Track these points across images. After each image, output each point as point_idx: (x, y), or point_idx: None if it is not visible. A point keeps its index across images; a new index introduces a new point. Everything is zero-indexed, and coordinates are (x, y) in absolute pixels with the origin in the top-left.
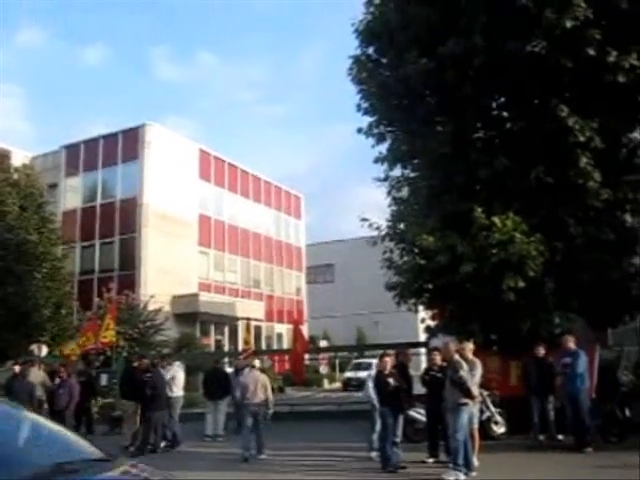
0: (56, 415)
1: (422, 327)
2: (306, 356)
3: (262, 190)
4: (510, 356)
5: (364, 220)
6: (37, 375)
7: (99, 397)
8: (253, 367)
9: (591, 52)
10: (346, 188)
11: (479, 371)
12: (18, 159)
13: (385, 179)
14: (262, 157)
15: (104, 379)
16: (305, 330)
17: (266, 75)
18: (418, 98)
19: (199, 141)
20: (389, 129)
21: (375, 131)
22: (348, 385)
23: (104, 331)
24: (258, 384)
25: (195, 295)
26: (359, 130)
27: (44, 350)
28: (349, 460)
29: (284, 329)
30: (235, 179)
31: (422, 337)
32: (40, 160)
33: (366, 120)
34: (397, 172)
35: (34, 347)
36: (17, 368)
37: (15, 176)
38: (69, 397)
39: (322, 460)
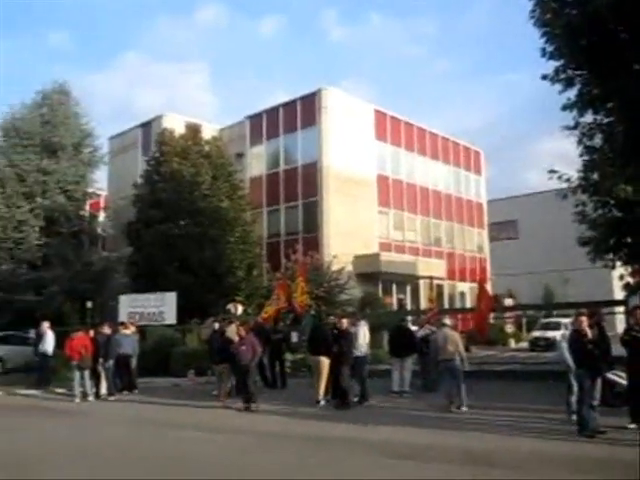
0: (242, 369)
1: (618, 285)
2: (491, 315)
3: (440, 147)
4: None
5: (552, 172)
6: (234, 332)
7: (290, 353)
8: (444, 325)
9: None
10: (525, 141)
11: None
12: (207, 132)
13: (575, 127)
14: (436, 113)
15: (294, 336)
16: (489, 288)
17: (434, 29)
18: (610, 35)
19: (373, 102)
20: (578, 72)
21: (562, 76)
22: (535, 345)
23: (300, 295)
24: (448, 340)
25: (376, 255)
26: (544, 77)
27: (240, 309)
28: (542, 421)
29: (466, 287)
30: (411, 137)
31: (618, 295)
32: (227, 131)
33: (551, 65)
34: (588, 118)
35: (230, 306)
36: (216, 325)
37: (206, 148)
38: (252, 353)
39: (516, 420)
